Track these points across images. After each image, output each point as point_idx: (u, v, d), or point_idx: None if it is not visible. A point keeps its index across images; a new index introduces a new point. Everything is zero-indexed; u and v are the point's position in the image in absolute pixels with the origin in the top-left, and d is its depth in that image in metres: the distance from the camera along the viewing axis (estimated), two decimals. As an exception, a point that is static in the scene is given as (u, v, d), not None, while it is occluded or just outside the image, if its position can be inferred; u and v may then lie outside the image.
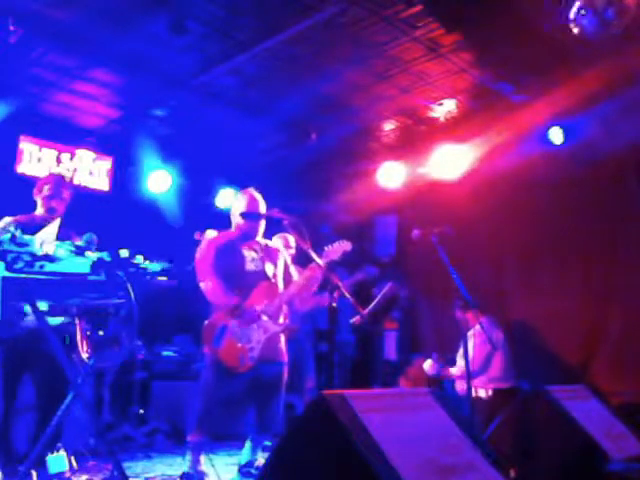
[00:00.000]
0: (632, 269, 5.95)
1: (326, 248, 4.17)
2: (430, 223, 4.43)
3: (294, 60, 5.39)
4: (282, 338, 4.14)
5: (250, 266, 4.10)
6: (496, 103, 5.92)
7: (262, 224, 4.20)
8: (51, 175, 4.35)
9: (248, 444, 4.12)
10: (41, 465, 3.25)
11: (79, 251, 2.79)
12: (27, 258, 2.62)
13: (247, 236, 4.18)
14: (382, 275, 6.56)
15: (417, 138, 6.93)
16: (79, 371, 3.14)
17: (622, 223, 6.13)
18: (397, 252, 8.12)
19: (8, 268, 2.56)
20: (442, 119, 6.55)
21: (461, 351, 5.48)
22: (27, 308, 2.85)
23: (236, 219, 4.20)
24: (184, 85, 5.81)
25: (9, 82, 5.67)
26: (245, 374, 3.91)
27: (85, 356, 3.45)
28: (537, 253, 6.63)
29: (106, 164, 7.03)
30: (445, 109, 6.34)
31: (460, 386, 5.82)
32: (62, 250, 2.75)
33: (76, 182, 6.73)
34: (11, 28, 4.60)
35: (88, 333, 3.44)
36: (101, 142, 6.94)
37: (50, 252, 2.70)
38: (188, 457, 3.89)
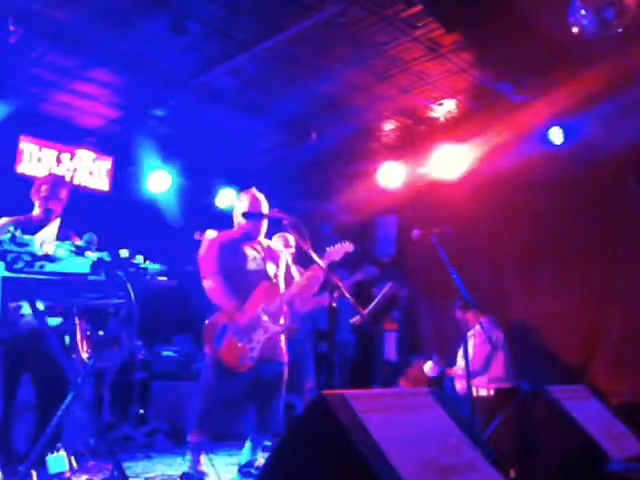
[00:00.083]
0: (632, 269, 5.95)
1: (328, 249, 4.18)
2: (430, 223, 4.43)
3: (294, 60, 5.39)
4: (282, 338, 4.14)
5: (252, 265, 4.11)
6: (496, 103, 5.92)
7: (264, 224, 4.21)
8: (48, 176, 4.35)
9: (248, 444, 4.12)
10: (41, 465, 3.25)
11: (79, 251, 2.79)
12: (27, 258, 2.62)
13: (249, 236, 4.18)
14: (382, 275, 6.56)
15: (417, 138, 6.93)
16: (79, 371, 3.15)
17: (622, 223, 6.13)
18: (397, 252, 8.12)
19: (8, 268, 2.56)
20: (442, 119, 6.55)
21: (461, 351, 5.48)
22: (27, 308, 2.85)
23: (238, 219, 4.21)
24: (184, 85, 5.81)
25: (9, 82, 5.67)
26: (245, 374, 3.91)
27: (85, 356, 3.45)
28: (537, 253, 6.63)
29: (106, 164, 7.03)
30: (445, 109, 6.34)
31: (460, 385, 5.82)
32: (62, 250, 2.75)
33: (76, 182, 6.73)
34: (11, 28, 4.60)
35: (88, 333, 3.44)
36: (101, 142, 6.95)
37: (50, 252, 2.70)
38: (188, 457, 3.89)
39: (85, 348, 3.46)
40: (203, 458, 3.90)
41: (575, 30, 4.09)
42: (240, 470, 4.06)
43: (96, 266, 2.75)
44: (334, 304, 4.07)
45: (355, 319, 5.79)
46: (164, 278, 3.06)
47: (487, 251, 6.92)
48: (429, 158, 6.84)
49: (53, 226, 3.19)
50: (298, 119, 6.51)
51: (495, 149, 6.25)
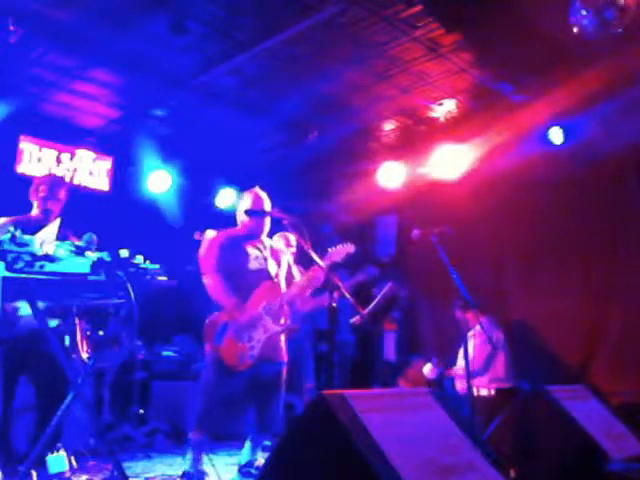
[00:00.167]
0: (632, 269, 5.95)
1: (329, 250, 4.19)
2: (430, 223, 4.43)
3: (294, 60, 5.39)
4: (282, 338, 4.14)
5: (253, 264, 4.11)
6: (496, 103, 5.92)
7: (267, 222, 4.21)
8: (47, 176, 4.34)
9: (248, 444, 4.12)
10: (41, 465, 3.25)
11: (79, 251, 2.79)
12: (27, 258, 2.62)
13: (252, 234, 4.18)
14: (382, 275, 6.55)
15: (417, 138, 6.93)
16: (79, 371, 3.14)
17: (622, 223, 6.13)
18: (397, 252, 8.12)
19: (8, 268, 2.56)
20: (442, 119, 6.55)
21: (462, 351, 5.48)
22: (26, 309, 2.85)
23: (241, 217, 4.21)
24: (184, 85, 5.81)
25: (9, 82, 5.67)
26: (245, 372, 3.91)
27: (85, 356, 3.45)
28: (537, 253, 6.63)
29: (106, 164, 7.03)
30: (445, 109, 6.34)
31: (460, 385, 5.82)
32: (62, 250, 2.75)
33: (76, 182, 6.73)
34: (11, 28, 4.60)
35: (88, 333, 3.44)
36: (101, 142, 6.94)
37: (50, 252, 2.70)
38: (188, 456, 3.89)
39: (85, 348, 3.46)
40: (204, 457, 3.90)
41: (575, 30, 4.09)
42: (240, 470, 4.06)
43: (96, 266, 2.75)
44: (334, 304, 4.06)
45: (355, 319, 5.79)
46: (164, 278, 3.06)
47: (487, 251, 6.92)
48: (429, 158, 6.84)
49: (53, 226, 3.19)
50: (298, 119, 6.51)
51: (495, 149, 6.25)
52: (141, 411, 5.89)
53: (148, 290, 2.95)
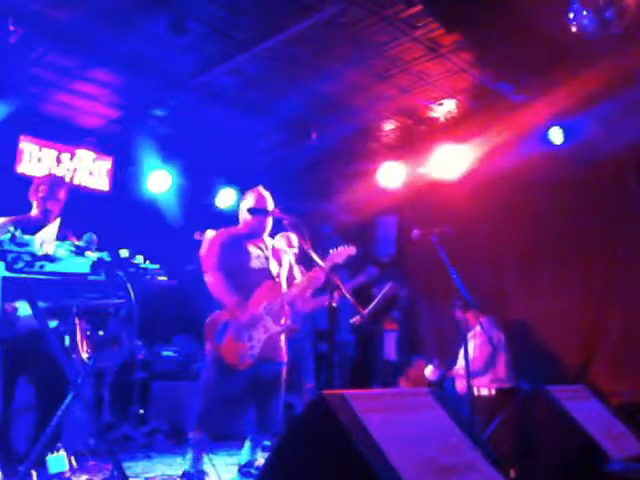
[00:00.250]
0: (632, 269, 5.95)
1: (331, 251, 4.19)
2: (430, 223, 4.43)
3: (294, 60, 5.39)
4: (282, 338, 4.14)
5: (255, 263, 4.11)
6: (496, 103, 5.92)
7: (269, 221, 4.21)
8: (46, 176, 4.33)
9: (248, 444, 4.11)
10: (41, 465, 3.25)
11: (79, 251, 2.79)
12: (27, 258, 2.62)
13: (254, 233, 4.18)
14: (382, 275, 6.55)
15: (417, 138, 6.93)
16: (79, 371, 3.14)
17: (622, 223, 6.13)
18: (397, 252, 8.11)
19: (8, 268, 2.56)
20: (442, 119, 6.55)
21: (462, 351, 5.48)
22: (26, 309, 2.85)
23: (244, 215, 4.21)
24: (184, 85, 5.81)
25: (9, 82, 5.67)
26: (245, 372, 3.91)
27: (85, 356, 3.45)
28: (537, 253, 6.63)
29: (106, 164, 7.03)
30: (445, 109, 6.34)
31: (460, 385, 5.82)
32: (62, 250, 2.75)
33: (76, 182, 6.73)
34: (11, 28, 4.60)
35: (88, 333, 3.44)
36: (101, 142, 6.95)
37: (50, 252, 2.70)
38: (189, 456, 3.89)
39: (85, 348, 3.46)
40: (203, 457, 3.90)
41: (575, 30, 4.09)
42: (240, 470, 4.06)
43: (96, 266, 2.75)
44: (334, 304, 4.06)
45: (355, 319, 5.79)
46: (164, 278, 3.06)
47: (487, 251, 6.92)
48: (429, 158, 6.84)
49: (53, 226, 3.19)
50: (298, 119, 6.51)
51: (495, 149, 6.26)
52: (141, 411, 5.89)
53: (148, 290, 2.95)
